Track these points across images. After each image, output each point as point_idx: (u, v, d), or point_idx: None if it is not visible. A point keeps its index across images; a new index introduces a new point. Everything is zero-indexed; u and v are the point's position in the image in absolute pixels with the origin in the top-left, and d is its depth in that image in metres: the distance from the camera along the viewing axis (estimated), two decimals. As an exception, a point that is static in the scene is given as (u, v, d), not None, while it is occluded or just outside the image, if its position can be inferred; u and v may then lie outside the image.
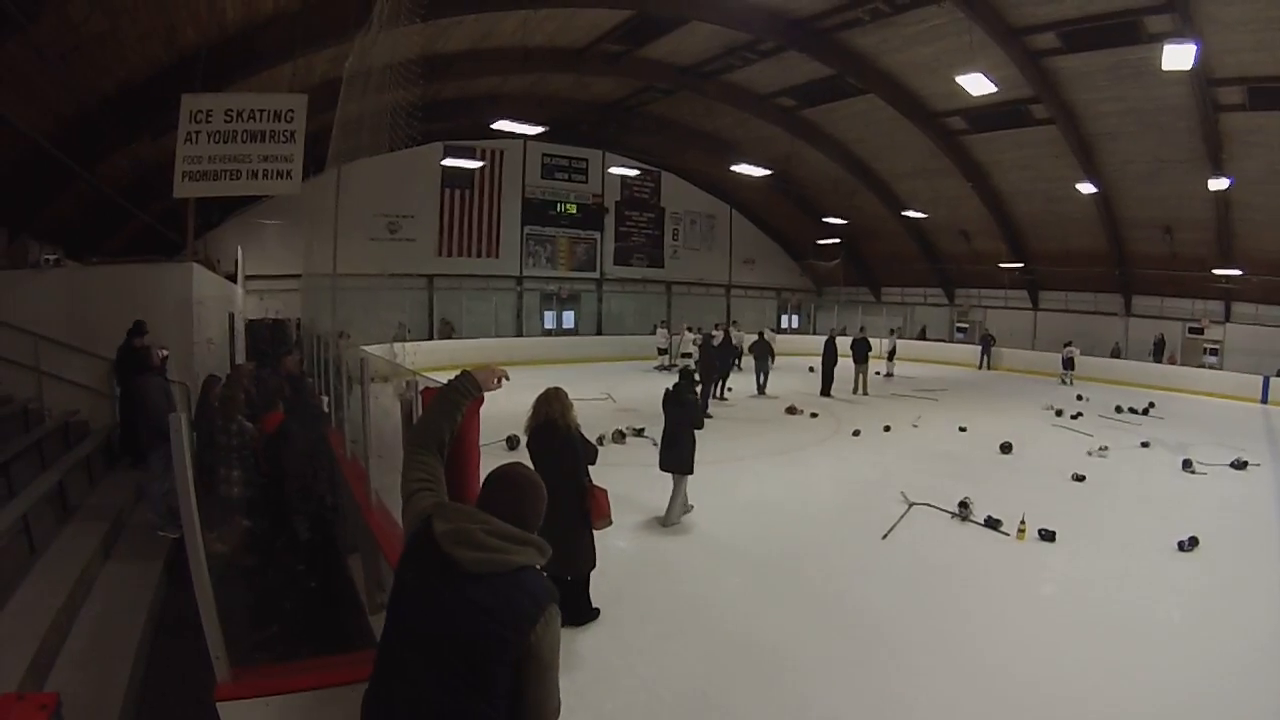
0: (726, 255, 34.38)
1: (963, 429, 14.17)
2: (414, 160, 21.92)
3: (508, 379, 2.74)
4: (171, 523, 6.52)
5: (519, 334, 28.03)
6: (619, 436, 12.32)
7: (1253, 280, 22.19)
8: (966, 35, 16.26)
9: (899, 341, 25.87)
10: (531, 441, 5.55)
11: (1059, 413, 16.44)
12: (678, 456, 8.00)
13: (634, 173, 30.14)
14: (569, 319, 30.59)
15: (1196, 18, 14.49)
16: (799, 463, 11.61)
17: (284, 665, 3.13)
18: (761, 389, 18.63)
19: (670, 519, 8.06)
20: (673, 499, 8.11)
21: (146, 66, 11.50)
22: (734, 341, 21.55)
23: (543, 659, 1.99)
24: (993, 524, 8.14)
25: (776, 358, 19.35)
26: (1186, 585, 6.73)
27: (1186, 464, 11.47)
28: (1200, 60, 14.32)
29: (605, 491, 5.59)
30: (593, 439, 5.95)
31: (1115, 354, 25.62)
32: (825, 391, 18.64)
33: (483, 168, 26.56)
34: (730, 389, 18.05)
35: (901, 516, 8.48)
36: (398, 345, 6.85)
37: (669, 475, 8.19)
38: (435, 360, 17.25)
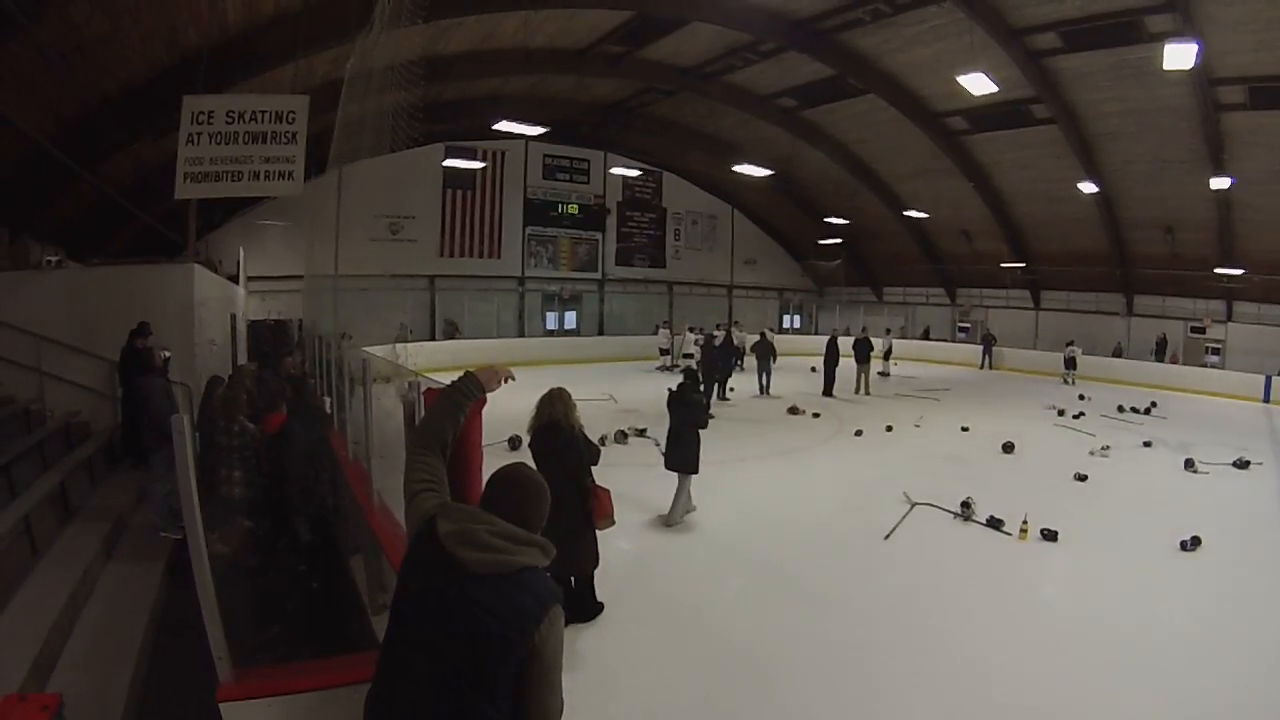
0: (728, 256, 34.38)
1: (965, 429, 14.15)
2: (415, 161, 21.93)
3: (513, 379, 2.74)
4: (173, 524, 6.52)
5: (521, 335, 28.02)
6: (621, 437, 12.31)
7: (1254, 280, 22.18)
8: (967, 35, 16.27)
9: (895, 341, 25.86)
10: (535, 442, 5.55)
11: (1061, 412, 16.43)
12: (683, 455, 8.04)
13: (635, 173, 30.15)
14: (571, 319, 30.60)
15: (1197, 17, 14.48)
16: (801, 463, 11.60)
17: (286, 666, 3.13)
18: (765, 389, 18.64)
19: (673, 518, 8.08)
20: (676, 498, 8.13)
21: (148, 67, 11.52)
22: (736, 342, 21.57)
23: (546, 659, 1.99)
24: (995, 524, 8.13)
25: (778, 358, 19.28)
26: (1189, 585, 6.72)
27: (1189, 463, 11.46)
28: (1201, 60, 14.31)
29: (608, 492, 5.60)
30: (594, 439, 5.95)
31: (1117, 354, 25.58)
32: (827, 392, 18.63)
33: (484, 168, 26.58)
34: (732, 389, 18.07)
35: (904, 517, 8.47)
36: (399, 346, 6.86)
37: (672, 476, 8.22)
38: (437, 361, 17.26)
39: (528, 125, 18.93)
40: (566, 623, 2.09)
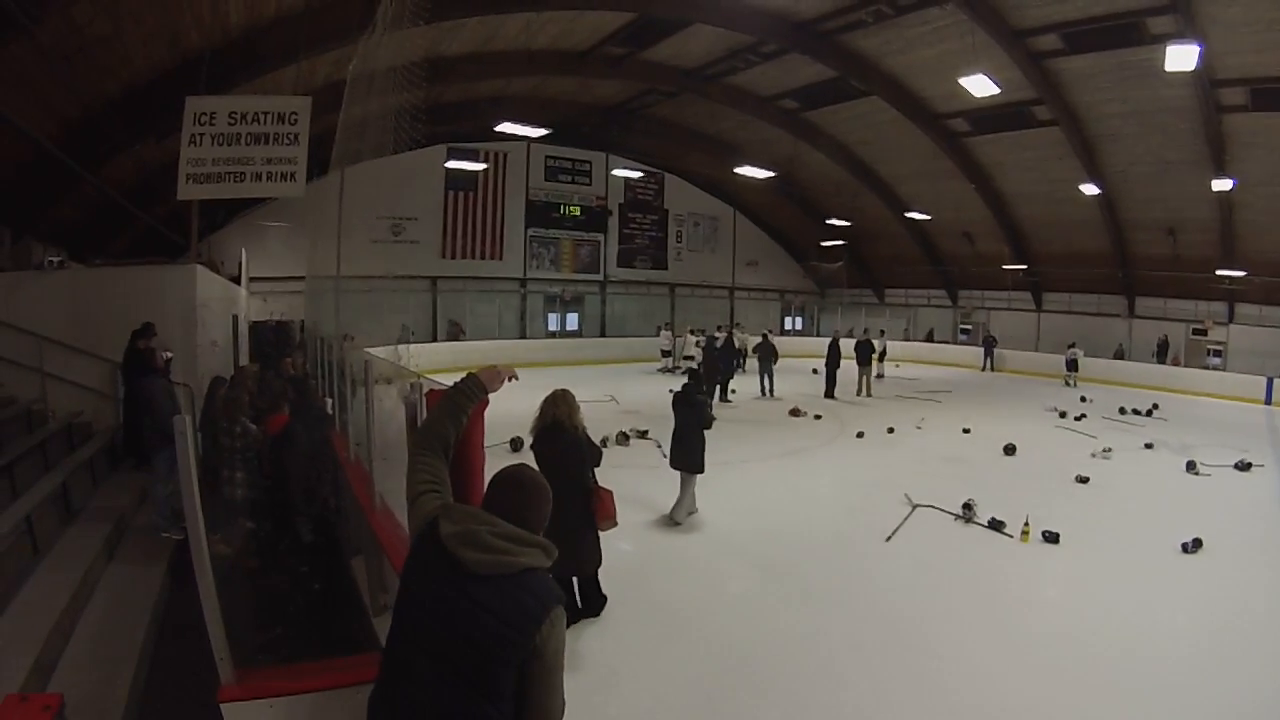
0: (730, 257, 34.40)
1: (966, 431, 14.15)
2: (418, 162, 21.94)
3: (516, 378, 2.74)
4: (175, 524, 6.53)
5: (522, 336, 28.06)
6: (622, 438, 12.31)
7: (1256, 281, 22.18)
8: (969, 37, 16.27)
9: (889, 342, 25.82)
10: (537, 443, 5.56)
11: (1062, 414, 16.41)
12: (687, 455, 8.10)
13: (637, 175, 30.20)
14: (573, 321, 30.64)
15: (1199, 19, 14.49)
16: (803, 465, 11.60)
17: (287, 667, 3.13)
18: (769, 391, 18.66)
19: (678, 516, 8.13)
20: (681, 497, 8.20)
21: (150, 69, 11.54)
22: (737, 344, 21.60)
23: (547, 660, 2.00)
24: (996, 526, 8.12)
25: (778, 359, 19.28)
26: (1190, 587, 6.71)
27: (1190, 465, 11.44)
28: (1203, 61, 14.32)
29: (611, 493, 5.61)
30: (596, 441, 5.96)
31: (1119, 355, 25.58)
32: (829, 393, 18.62)
33: (486, 170, 26.61)
34: (734, 391, 18.08)
35: (905, 518, 8.47)
36: (401, 347, 6.86)
37: (674, 477, 8.30)
38: (438, 362, 17.30)
39: (530, 127, 18.95)
40: (572, 620, 2.10)
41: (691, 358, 22.49)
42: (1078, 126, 20.08)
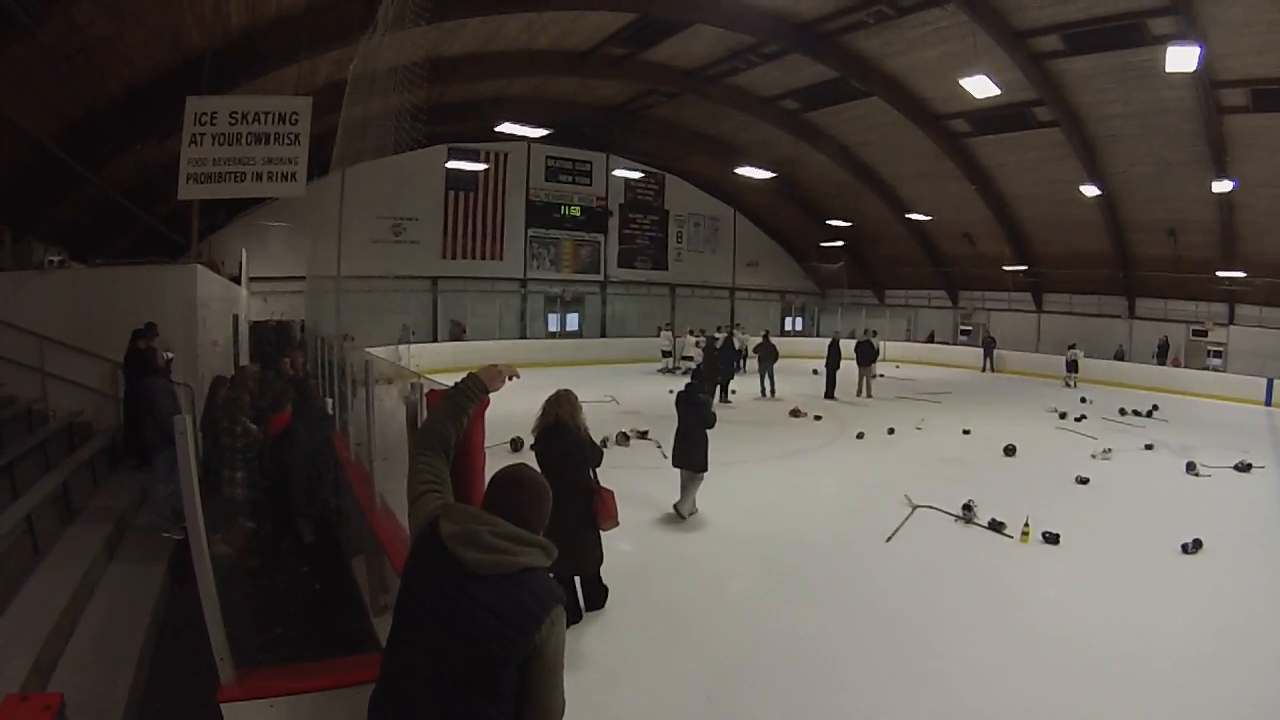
0: (730, 258, 34.40)
1: (966, 432, 14.15)
2: (418, 163, 21.94)
3: (517, 376, 2.75)
4: (175, 524, 6.53)
5: (523, 336, 28.07)
6: (623, 439, 12.31)
7: (1256, 283, 22.18)
8: (970, 38, 16.26)
9: (882, 343, 25.74)
10: (539, 443, 5.57)
11: (1063, 415, 16.40)
12: (691, 454, 8.20)
13: (638, 175, 30.21)
14: (573, 321, 30.64)
15: (1200, 20, 14.49)
16: (803, 465, 11.60)
17: (288, 667, 3.13)
18: (770, 392, 18.68)
19: (683, 509, 8.27)
20: (685, 494, 8.31)
21: (152, 69, 11.56)
22: (737, 345, 21.62)
23: (548, 660, 2.00)
24: (996, 527, 8.12)
25: (777, 359, 19.28)
26: (1190, 588, 6.70)
27: (1190, 466, 11.44)
28: (1203, 62, 14.32)
29: (612, 493, 5.64)
30: (596, 441, 5.96)
31: (1119, 356, 25.58)
32: (829, 394, 18.62)
33: (487, 170, 26.62)
34: (734, 391, 18.09)
35: (905, 519, 8.47)
36: (402, 347, 6.86)
37: (675, 476, 8.40)
38: (439, 362, 17.31)
39: (530, 127, 18.97)
40: (573, 620, 2.10)
41: (690, 358, 22.54)
42: (1079, 127, 20.08)
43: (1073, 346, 23.96)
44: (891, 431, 14.04)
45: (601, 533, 5.63)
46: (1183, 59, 13.30)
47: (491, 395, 2.64)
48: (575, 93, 22.99)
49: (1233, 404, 20.56)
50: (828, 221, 29.75)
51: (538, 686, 2.00)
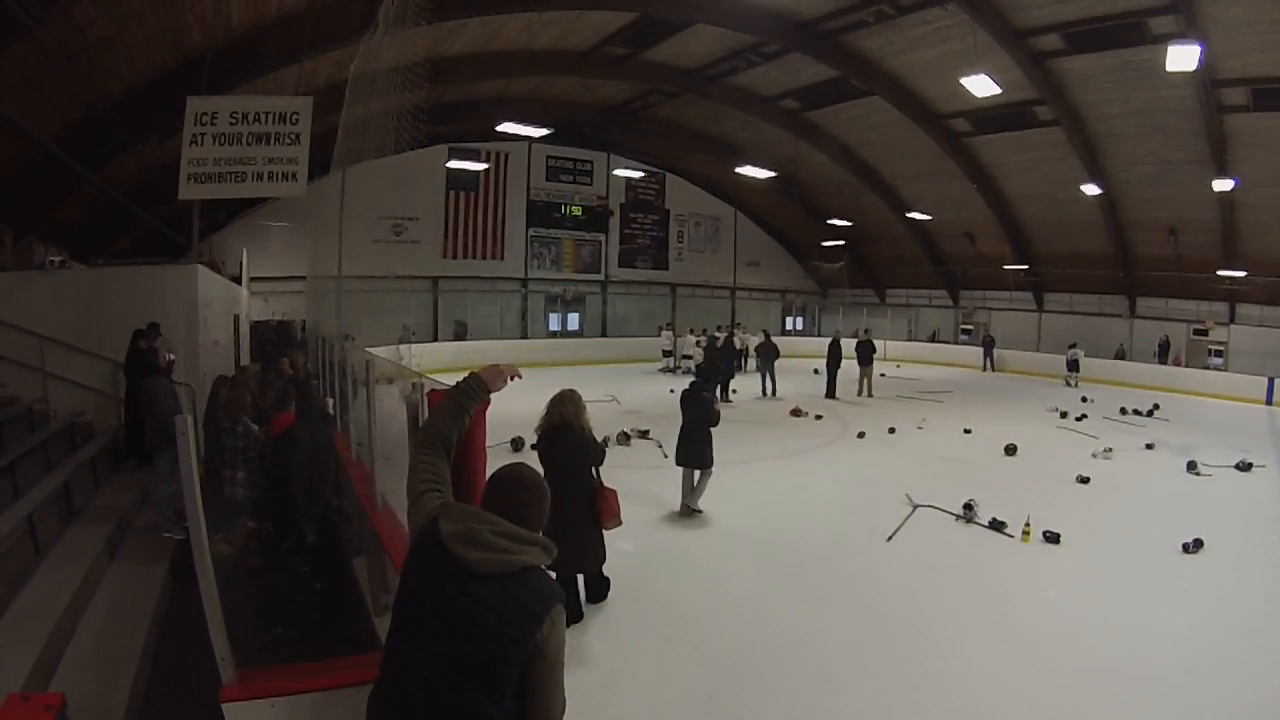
0: (731, 257, 34.41)
1: (967, 431, 14.14)
2: (419, 163, 22.01)
3: (519, 377, 2.75)
4: (176, 524, 6.53)
5: (524, 336, 28.08)
6: (623, 438, 12.30)
7: (1257, 282, 22.18)
8: (971, 37, 16.26)
9: (878, 342, 25.67)
10: (543, 442, 5.58)
11: (1064, 415, 16.38)
12: (697, 452, 8.28)
13: (639, 175, 30.23)
14: (574, 321, 30.66)
15: (1200, 19, 14.48)
16: (804, 465, 11.61)
17: (289, 667, 3.13)
18: (771, 392, 18.68)
19: (693, 504, 8.37)
20: (697, 487, 8.41)
21: (152, 69, 11.57)
22: (738, 344, 21.62)
23: (549, 658, 2.00)
24: (997, 526, 8.12)
25: (779, 357, 19.29)
26: (1191, 587, 6.70)
27: (1191, 466, 11.43)
28: (1204, 61, 14.34)
29: (615, 492, 5.66)
30: (597, 440, 5.97)
31: (1120, 356, 25.58)
32: (830, 394, 18.62)
33: (487, 170, 26.64)
34: (735, 391, 18.09)
35: (906, 519, 8.46)
36: (403, 347, 6.86)
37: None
38: (440, 362, 17.31)
39: (531, 127, 18.97)
40: (574, 620, 2.10)
41: (690, 357, 22.56)
42: (1079, 127, 20.07)
43: (1073, 346, 23.93)
44: (892, 431, 14.04)
45: (605, 531, 5.65)
46: (1183, 58, 13.31)
47: (492, 395, 2.65)
48: (576, 92, 22.99)
49: (1234, 403, 20.54)
50: (828, 221, 29.77)
51: (539, 685, 2.00)
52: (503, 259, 27.88)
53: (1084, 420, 15.89)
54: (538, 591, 2.01)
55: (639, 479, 9.45)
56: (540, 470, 3.30)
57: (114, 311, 9.88)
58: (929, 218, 27.16)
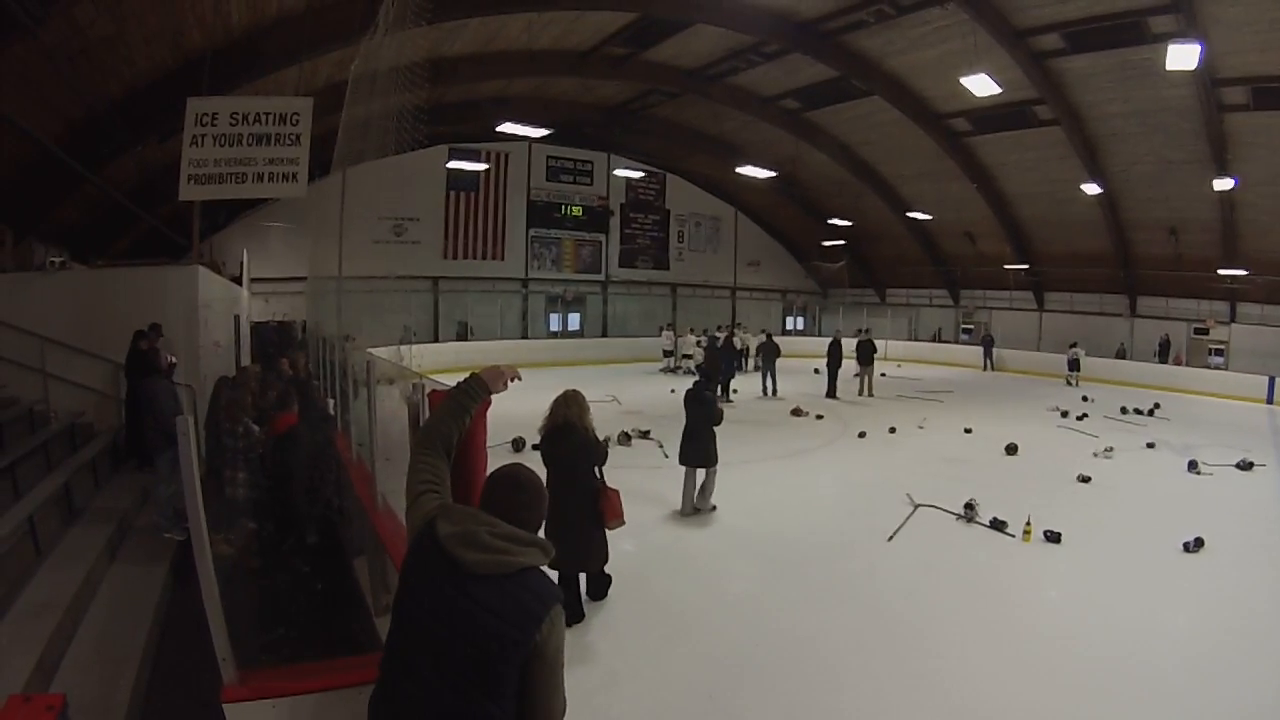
0: (731, 257, 34.41)
1: (968, 431, 14.14)
2: (419, 163, 22.00)
3: (519, 378, 2.75)
4: (177, 525, 6.53)
5: (524, 336, 28.09)
6: (624, 438, 12.31)
7: (1258, 281, 22.17)
8: (971, 37, 16.24)
9: (876, 342, 25.63)
10: (546, 442, 5.59)
11: (1064, 414, 16.39)
12: (701, 451, 8.33)
13: (639, 175, 30.23)
14: (574, 321, 30.66)
15: (1200, 18, 14.47)
16: (804, 465, 11.61)
17: (290, 667, 3.13)
18: (772, 391, 18.69)
19: (703, 505, 8.42)
20: (703, 487, 8.47)
21: (152, 70, 11.57)
22: (738, 344, 21.62)
23: (549, 659, 2.00)
24: (998, 526, 8.12)
25: (779, 356, 19.30)
26: (1192, 587, 6.70)
27: (1192, 465, 11.42)
28: (1204, 61, 14.33)
29: (618, 492, 5.68)
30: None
31: (1120, 355, 25.57)
32: (830, 393, 18.62)
33: (488, 170, 26.63)
34: (735, 391, 18.10)
35: (907, 518, 8.46)
36: (404, 348, 6.86)
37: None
38: (441, 363, 17.31)
39: (531, 127, 19.00)
40: (575, 620, 2.11)
41: (690, 357, 22.57)
42: (1079, 126, 20.06)
43: (1074, 345, 23.92)
44: (893, 431, 14.04)
45: (607, 531, 5.66)
46: (1183, 57, 13.30)
47: (493, 395, 2.65)
48: (576, 93, 22.99)
49: (1234, 402, 20.53)
50: (829, 221, 29.78)
51: (539, 686, 2.01)
52: (503, 259, 27.87)
53: (1085, 420, 15.89)
54: (537, 592, 2.02)
55: (640, 479, 9.45)
56: (541, 470, 3.30)
57: (114, 312, 9.88)
58: (929, 217, 27.16)
